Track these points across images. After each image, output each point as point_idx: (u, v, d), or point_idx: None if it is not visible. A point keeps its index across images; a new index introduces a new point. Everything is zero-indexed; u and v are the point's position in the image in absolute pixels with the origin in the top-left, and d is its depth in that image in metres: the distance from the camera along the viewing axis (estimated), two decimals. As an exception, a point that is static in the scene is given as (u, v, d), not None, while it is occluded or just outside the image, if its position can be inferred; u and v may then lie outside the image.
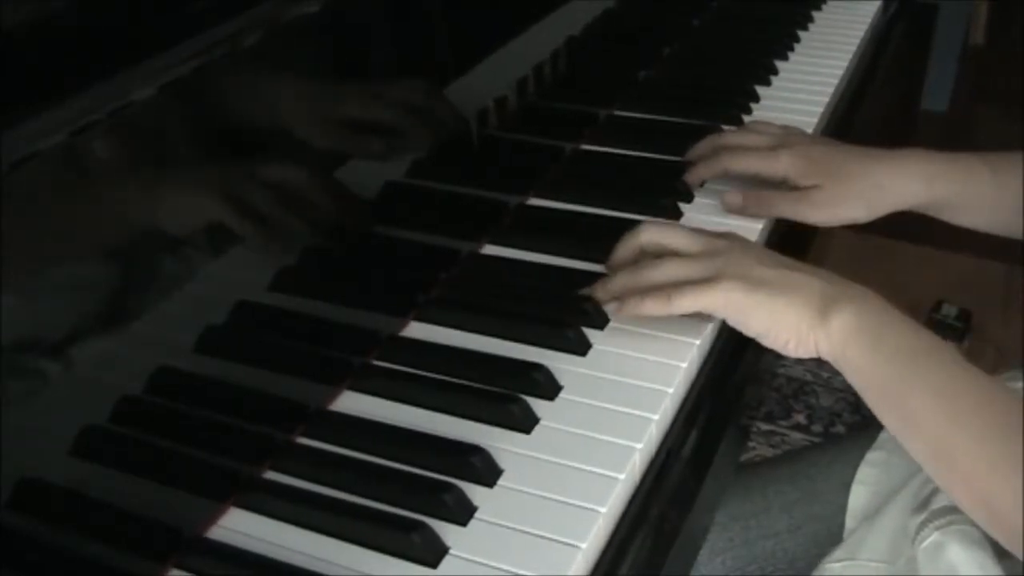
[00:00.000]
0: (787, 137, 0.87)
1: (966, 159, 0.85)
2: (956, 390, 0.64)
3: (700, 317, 0.71)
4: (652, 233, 0.74)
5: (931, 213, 0.86)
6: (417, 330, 0.73)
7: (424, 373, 0.68)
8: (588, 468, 0.61)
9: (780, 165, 0.83)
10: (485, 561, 0.55)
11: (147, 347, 0.57)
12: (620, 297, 0.71)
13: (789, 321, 0.67)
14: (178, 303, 0.58)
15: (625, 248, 0.75)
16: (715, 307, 0.69)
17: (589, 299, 0.73)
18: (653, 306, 0.69)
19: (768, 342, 0.69)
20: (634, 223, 0.81)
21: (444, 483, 0.59)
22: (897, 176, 0.83)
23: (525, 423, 0.64)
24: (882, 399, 0.67)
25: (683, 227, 0.75)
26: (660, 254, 0.73)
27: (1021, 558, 0.61)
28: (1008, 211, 0.84)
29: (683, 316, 0.71)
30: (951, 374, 0.65)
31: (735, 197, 0.84)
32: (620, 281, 0.72)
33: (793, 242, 0.84)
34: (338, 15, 0.68)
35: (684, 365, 0.68)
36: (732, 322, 0.70)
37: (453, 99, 0.79)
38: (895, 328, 0.67)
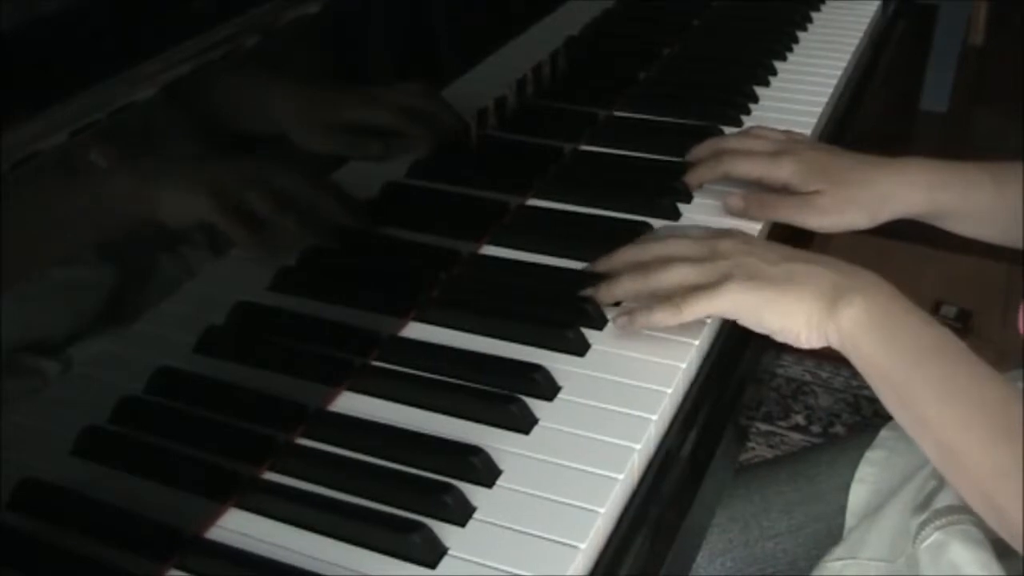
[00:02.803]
0: (789, 143, 0.87)
1: (968, 168, 0.85)
2: (964, 392, 0.64)
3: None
4: (655, 248, 0.74)
5: (932, 222, 0.86)
6: (416, 330, 0.73)
7: (423, 374, 0.68)
8: (587, 468, 0.61)
9: (782, 171, 0.83)
10: (484, 561, 0.55)
11: (147, 347, 0.57)
12: (629, 312, 0.71)
13: (799, 316, 0.68)
14: (178, 303, 0.58)
15: (624, 256, 0.75)
16: (724, 311, 0.69)
17: (589, 300, 0.73)
18: (663, 316, 0.69)
19: (780, 338, 0.69)
20: (633, 223, 0.82)
21: (443, 484, 0.59)
22: (899, 185, 0.83)
23: (524, 424, 0.64)
24: (890, 394, 0.67)
25: (683, 235, 0.75)
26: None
27: None
28: (1009, 220, 0.84)
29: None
30: (959, 375, 0.65)
31: (736, 200, 0.84)
32: (625, 285, 0.72)
33: (791, 244, 0.84)
34: (338, 16, 0.68)
35: (683, 365, 0.68)
36: (743, 322, 0.70)
37: (453, 100, 0.79)
38: (905, 322, 0.67)
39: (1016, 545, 0.62)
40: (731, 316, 0.70)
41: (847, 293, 0.67)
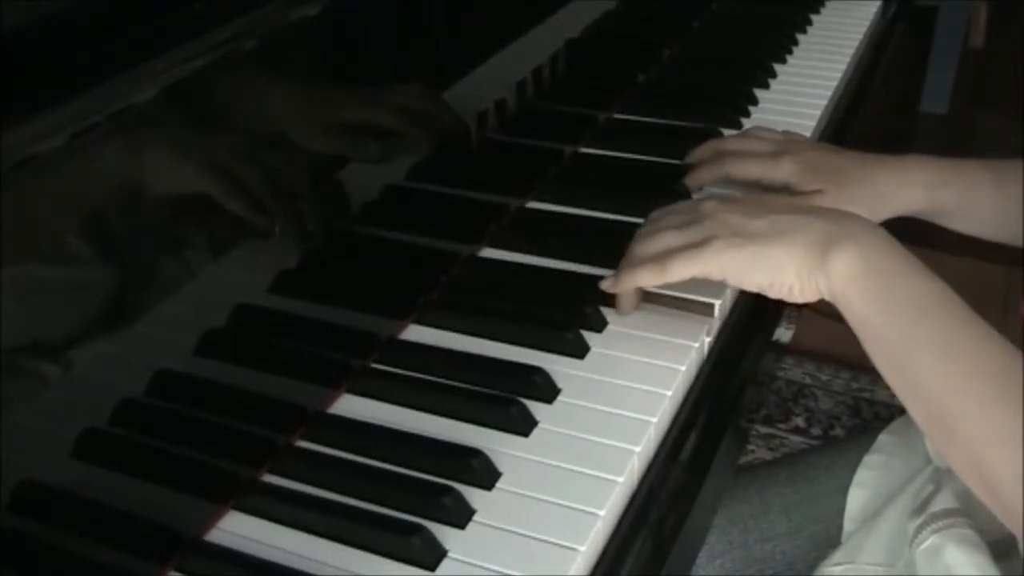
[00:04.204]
0: (789, 143, 0.87)
1: (968, 166, 0.85)
2: (963, 351, 0.62)
3: (699, 317, 0.71)
4: (647, 229, 0.73)
5: (932, 220, 0.86)
6: (416, 333, 0.73)
7: (423, 376, 0.69)
8: (586, 471, 0.61)
9: (782, 171, 0.83)
10: (483, 564, 0.55)
11: (147, 350, 0.57)
12: (616, 273, 0.71)
13: (789, 267, 0.66)
14: (178, 306, 0.58)
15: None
16: (710, 270, 0.68)
17: (588, 302, 0.73)
18: (647, 275, 0.69)
19: (773, 293, 0.68)
20: (633, 226, 0.81)
21: (443, 486, 0.59)
22: (899, 183, 0.83)
23: (523, 426, 0.64)
24: (883, 353, 0.64)
25: (668, 208, 0.75)
26: None
27: (1018, 534, 0.60)
28: (1009, 218, 0.84)
29: (681, 317, 0.71)
30: (959, 332, 0.62)
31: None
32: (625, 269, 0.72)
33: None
34: (338, 18, 0.68)
35: (683, 368, 0.68)
36: (732, 282, 0.69)
37: (453, 102, 0.79)
38: (900, 272, 0.65)
39: (1006, 521, 0.60)
40: (717, 276, 0.68)
41: (839, 239, 0.65)
